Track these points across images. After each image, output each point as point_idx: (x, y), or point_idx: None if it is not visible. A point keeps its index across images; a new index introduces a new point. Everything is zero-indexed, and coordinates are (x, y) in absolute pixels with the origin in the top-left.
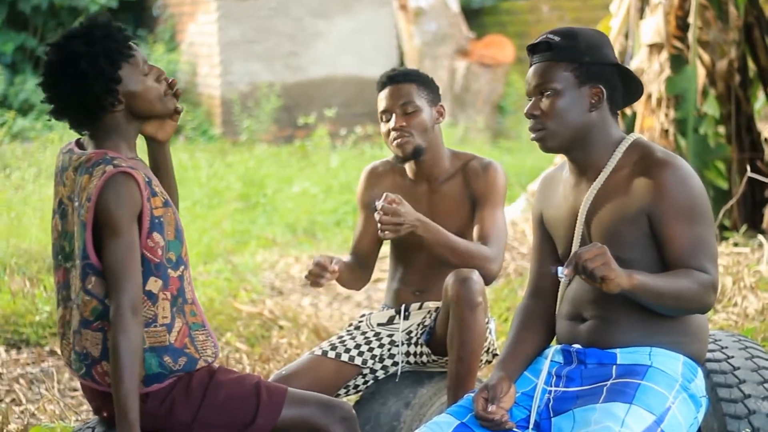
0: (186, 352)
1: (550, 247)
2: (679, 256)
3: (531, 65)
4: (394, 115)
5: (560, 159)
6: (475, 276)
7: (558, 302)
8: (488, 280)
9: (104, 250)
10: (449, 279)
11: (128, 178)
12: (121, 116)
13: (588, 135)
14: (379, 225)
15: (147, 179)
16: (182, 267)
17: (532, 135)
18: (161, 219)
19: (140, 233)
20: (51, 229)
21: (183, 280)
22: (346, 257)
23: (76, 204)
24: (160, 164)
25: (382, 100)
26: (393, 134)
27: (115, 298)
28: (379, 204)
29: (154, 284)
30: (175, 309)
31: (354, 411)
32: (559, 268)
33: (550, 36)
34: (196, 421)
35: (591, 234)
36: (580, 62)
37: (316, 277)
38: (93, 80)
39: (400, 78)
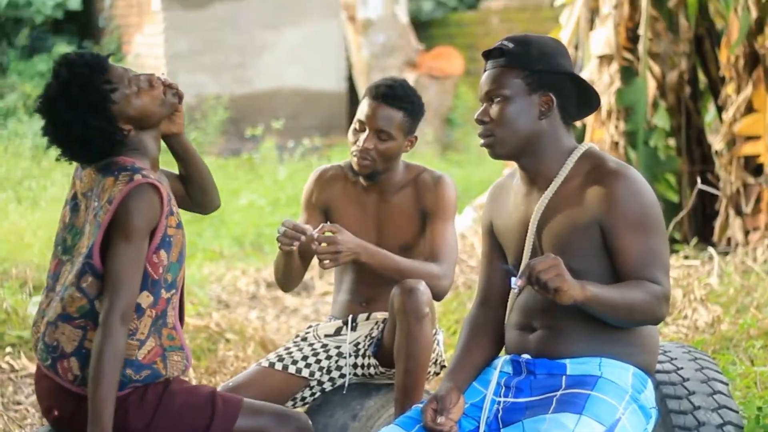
0: (153, 367)
1: (499, 256)
2: (632, 267)
3: (484, 71)
4: (367, 132)
5: (509, 169)
6: (422, 286)
7: (507, 312)
8: (439, 296)
9: (111, 252)
10: (395, 290)
11: (154, 191)
12: (135, 136)
13: (538, 143)
14: (316, 256)
15: (169, 196)
16: (173, 291)
17: (481, 141)
18: (171, 239)
19: (149, 246)
20: (59, 219)
21: (169, 303)
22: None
23: (95, 204)
24: (186, 154)
25: (364, 108)
26: (357, 150)
27: (108, 301)
28: (314, 234)
29: (145, 299)
30: (153, 329)
31: (309, 422)
32: (512, 279)
33: (504, 42)
34: (149, 430)
35: (542, 244)
36: (532, 69)
37: (291, 239)
38: (93, 133)
39: (392, 101)
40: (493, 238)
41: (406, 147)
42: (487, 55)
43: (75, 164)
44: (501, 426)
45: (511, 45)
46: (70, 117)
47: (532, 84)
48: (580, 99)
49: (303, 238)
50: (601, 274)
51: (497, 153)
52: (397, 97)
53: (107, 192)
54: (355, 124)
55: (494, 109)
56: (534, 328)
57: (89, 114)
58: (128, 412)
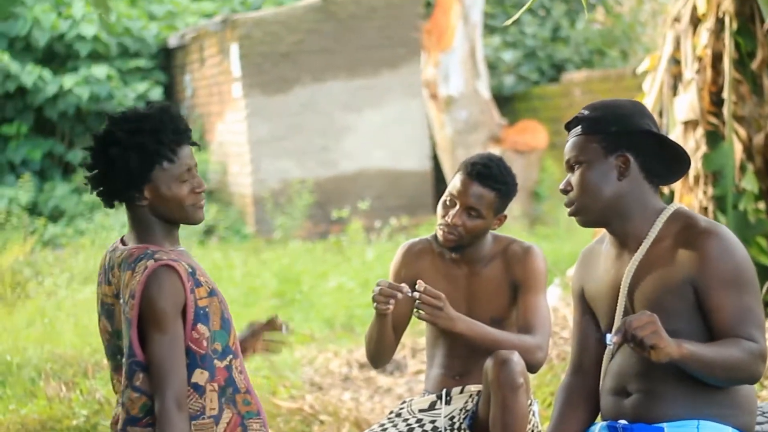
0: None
1: (591, 323)
2: (727, 325)
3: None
4: (457, 207)
5: (599, 236)
6: (515, 357)
7: (602, 377)
8: (534, 369)
9: (148, 345)
10: (489, 361)
11: (170, 272)
12: (146, 212)
13: (623, 205)
14: (417, 303)
15: (190, 270)
16: (230, 356)
17: (568, 210)
18: (206, 309)
19: (185, 325)
20: (100, 332)
21: (231, 369)
22: None
23: (122, 302)
24: None
25: (457, 183)
26: (444, 224)
27: (159, 393)
28: (420, 284)
29: (200, 376)
30: (224, 399)
31: None
32: (607, 336)
33: (582, 111)
34: None
35: (634, 306)
36: (607, 132)
37: (387, 297)
38: (118, 171)
39: (486, 180)
40: (584, 304)
41: (495, 225)
42: (568, 125)
43: (99, 273)
44: None
45: (587, 112)
46: (119, 139)
47: (609, 146)
48: (669, 159)
49: (399, 295)
50: (695, 334)
51: (584, 220)
52: (492, 177)
53: (128, 287)
54: (446, 198)
55: (575, 177)
56: (629, 393)
57: (131, 152)
58: None
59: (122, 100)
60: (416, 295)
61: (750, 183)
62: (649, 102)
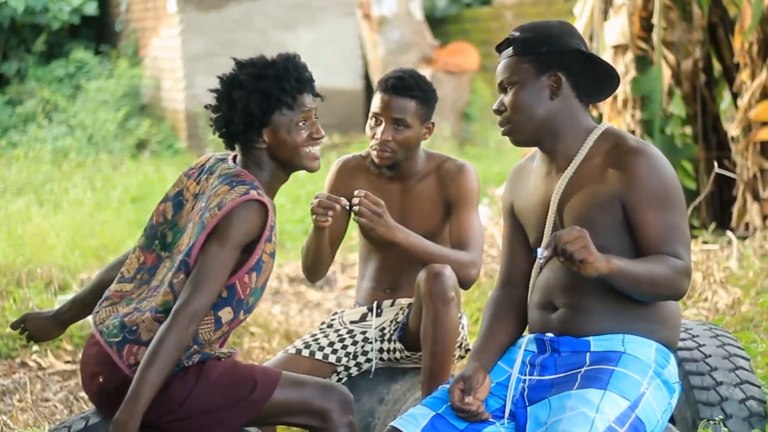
0: (204, 352)
1: (520, 237)
2: (653, 242)
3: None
4: (383, 124)
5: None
6: (447, 271)
7: (530, 291)
8: (467, 285)
9: (203, 251)
10: (421, 275)
11: (262, 212)
12: (264, 155)
13: (555, 124)
14: (357, 208)
15: (272, 223)
16: (247, 315)
17: (501, 130)
18: (264, 265)
19: (243, 266)
20: (154, 213)
21: (240, 325)
22: None
23: (202, 204)
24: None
25: (377, 101)
26: (375, 142)
27: (187, 295)
28: (360, 191)
29: (226, 314)
30: (218, 341)
31: (351, 395)
32: (538, 249)
33: (512, 32)
34: (189, 399)
35: (563, 221)
36: (538, 53)
37: (326, 208)
38: (239, 113)
39: (403, 91)
40: (514, 219)
41: (425, 134)
42: (499, 47)
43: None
44: (527, 404)
45: (518, 33)
46: (243, 83)
47: (540, 66)
48: (598, 77)
49: (338, 207)
50: (623, 251)
51: (517, 140)
52: (408, 86)
53: (219, 197)
54: (370, 119)
55: (508, 98)
56: (556, 307)
57: (253, 95)
58: (171, 382)
59: (57, 13)
60: (356, 200)
61: (677, 108)
62: (579, 26)
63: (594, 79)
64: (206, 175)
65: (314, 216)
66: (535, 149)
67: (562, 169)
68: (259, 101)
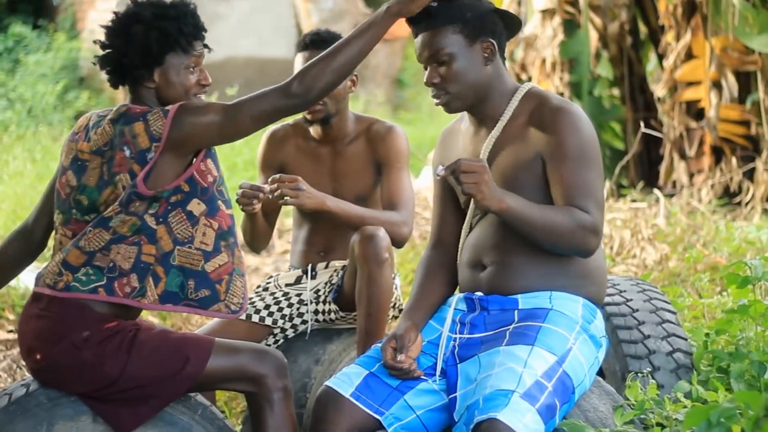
0: (216, 288)
1: (451, 198)
2: (564, 196)
3: (416, 35)
4: None
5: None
6: (381, 233)
7: (459, 251)
8: (400, 243)
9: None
10: (355, 237)
11: (199, 101)
12: (152, 96)
13: (487, 87)
14: (277, 193)
15: None
16: (231, 210)
17: (437, 101)
18: (215, 153)
19: (196, 155)
20: (59, 187)
21: (234, 221)
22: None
23: (127, 152)
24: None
25: (300, 61)
26: None
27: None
28: (273, 178)
29: (196, 206)
30: (225, 244)
31: (285, 360)
32: (439, 167)
33: (431, 3)
34: (123, 375)
35: None
36: (464, 21)
37: (250, 198)
38: (134, 47)
39: (321, 44)
40: (444, 180)
41: (350, 88)
42: (415, 21)
43: (65, 134)
44: (458, 361)
45: (435, 4)
46: (144, 18)
47: (471, 34)
48: (510, 32)
49: (261, 195)
50: (540, 202)
51: (454, 108)
52: (324, 40)
53: (142, 135)
54: None
55: (442, 70)
56: (485, 266)
57: (153, 32)
58: (105, 357)
59: None
60: (272, 187)
61: (605, 70)
62: None
63: (508, 35)
64: (95, 129)
65: (241, 206)
66: (463, 112)
67: (489, 129)
68: (157, 38)
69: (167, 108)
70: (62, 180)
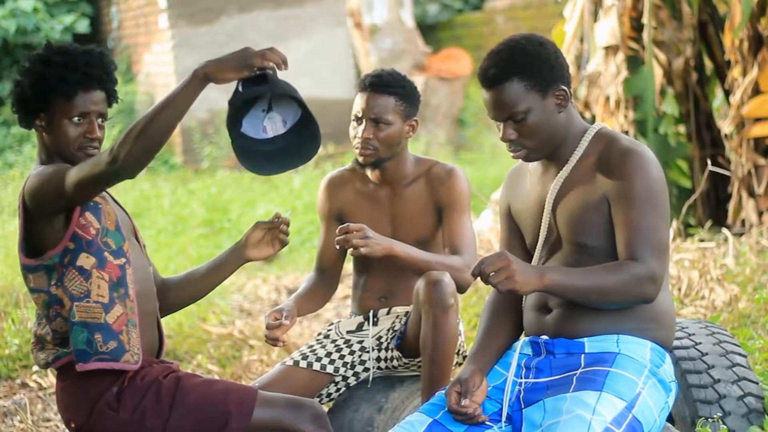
0: (120, 339)
1: (517, 240)
2: (624, 240)
3: (485, 91)
4: (364, 122)
5: None
6: (446, 278)
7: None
8: (462, 288)
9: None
10: (420, 282)
11: (55, 166)
12: (42, 143)
13: (562, 133)
14: (348, 247)
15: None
16: (124, 259)
17: (514, 155)
18: (99, 206)
19: (72, 213)
20: None
21: (125, 271)
22: (306, 278)
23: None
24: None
25: (358, 102)
26: (358, 141)
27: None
28: (342, 227)
29: (86, 260)
30: (116, 295)
31: (323, 409)
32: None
33: (492, 64)
34: (167, 429)
35: (557, 222)
36: (533, 73)
37: (275, 339)
38: (24, 88)
39: (381, 88)
40: (510, 222)
41: (408, 132)
42: (488, 77)
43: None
44: (523, 406)
45: (504, 60)
46: (22, 67)
47: (543, 86)
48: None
49: (284, 327)
50: (605, 245)
51: (533, 159)
52: (385, 83)
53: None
54: (352, 121)
55: (517, 127)
56: (550, 309)
57: (29, 78)
58: (146, 412)
59: (49, 32)
60: (340, 239)
61: (670, 107)
62: (570, 28)
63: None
64: None
65: (269, 342)
66: None
67: (558, 169)
68: (32, 85)
69: (38, 167)
70: None
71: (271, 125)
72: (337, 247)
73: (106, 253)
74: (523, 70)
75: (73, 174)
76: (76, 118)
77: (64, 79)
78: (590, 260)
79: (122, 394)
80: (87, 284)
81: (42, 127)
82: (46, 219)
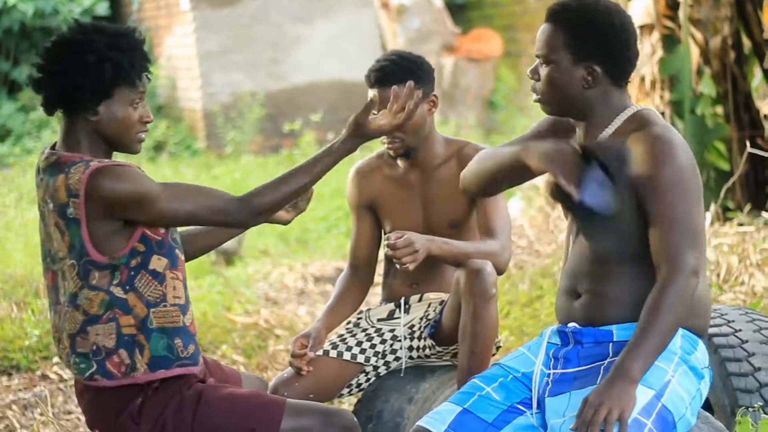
0: (195, 340)
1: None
2: (658, 234)
3: (544, 22)
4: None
5: None
6: (489, 267)
7: (559, 278)
8: (501, 271)
9: (148, 214)
10: (461, 271)
11: (118, 167)
12: (91, 129)
13: (587, 107)
14: (396, 262)
15: (137, 168)
16: (182, 254)
17: (534, 97)
18: None
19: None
20: (39, 232)
21: (182, 265)
22: (339, 279)
23: (51, 206)
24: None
25: (371, 97)
26: (384, 137)
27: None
28: (388, 238)
29: (158, 262)
30: (189, 294)
31: (355, 419)
32: None
33: (566, 4)
34: None
35: None
36: (578, 36)
37: (300, 368)
38: (86, 77)
39: (387, 82)
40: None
41: (430, 110)
42: (549, 10)
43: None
44: (548, 395)
45: (568, 8)
46: (97, 47)
47: (577, 53)
48: (633, 59)
49: (311, 354)
50: (636, 231)
51: (546, 111)
52: (390, 74)
53: (61, 189)
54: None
55: (543, 71)
56: (579, 294)
57: (107, 64)
58: (166, 425)
59: (67, 15)
60: (389, 253)
61: (707, 87)
62: None
63: (630, 61)
64: (39, 177)
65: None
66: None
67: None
68: (111, 71)
69: (91, 162)
70: (40, 225)
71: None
72: (400, 267)
73: (177, 251)
74: (572, 28)
75: (179, 205)
76: (136, 103)
77: (133, 64)
78: (615, 241)
79: (144, 406)
80: (162, 288)
81: (100, 114)
82: (110, 217)
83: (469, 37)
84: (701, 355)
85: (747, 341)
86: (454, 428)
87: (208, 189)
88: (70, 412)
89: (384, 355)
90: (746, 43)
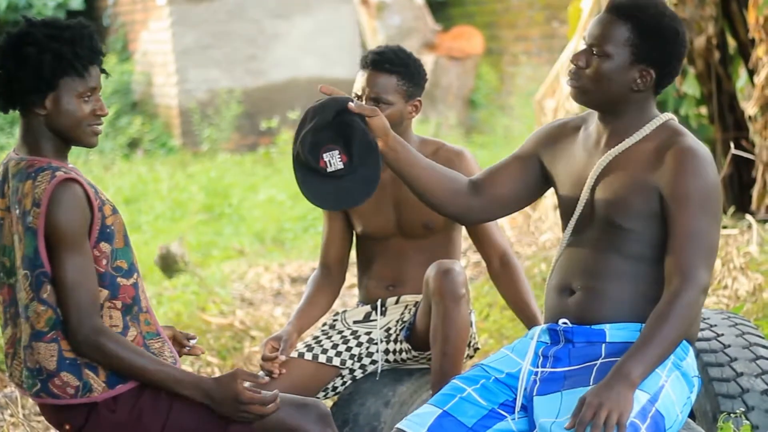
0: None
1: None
2: (675, 244)
3: (604, 11)
4: (364, 101)
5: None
6: (458, 267)
7: (549, 274)
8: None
9: (58, 263)
10: (430, 271)
11: (77, 188)
12: (43, 125)
13: (623, 107)
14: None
15: (94, 189)
16: (136, 274)
17: (569, 83)
18: (112, 228)
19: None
20: None
21: (138, 287)
22: (309, 280)
23: (17, 212)
24: None
25: (359, 79)
26: None
27: (75, 316)
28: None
29: (101, 294)
30: (129, 318)
31: (328, 408)
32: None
33: (637, 2)
34: (166, 429)
35: (595, 199)
36: (640, 36)
37: (271, 371)
38: (27, 70)
39: (383, 66)
40: (532, 160)
41: (411, 113)
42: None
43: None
44: (536, 395)
45: (639, 7)
46: (37, 39)
47: (638, 53)
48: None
49: (282, 357)
50: (648, 238)
51: (579, 100)
52: (388, 60)
53: (29, 196)
54: (353, 96)
55: (594, 62)
56: (573, 291)
57: (46, 55)
58: (142, 412)
59: (42, 9)
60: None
61: (691, 87)
62: (587, 5)
63: (677, 74)
64: (6, 184)
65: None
66: (583, 117)
67: (611, 145)
68: (51, 61)
69: (57, 172)
70: None
71: (330, 159)
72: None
73: (118, 279)
74: (639, 27)
75: (72, 275)
76: (87, 95)
77: (77, 54)
78: (618, 240)
79: (120, 396)
80: (114, 318)
81: (47, 108)
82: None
83: (450, 35)
84: (692, 361)
85: (729, 346)
86: (432, 431)
87: (93, 296)
88: (40, 414)
89: (360, 358)
90: (731, 43)
